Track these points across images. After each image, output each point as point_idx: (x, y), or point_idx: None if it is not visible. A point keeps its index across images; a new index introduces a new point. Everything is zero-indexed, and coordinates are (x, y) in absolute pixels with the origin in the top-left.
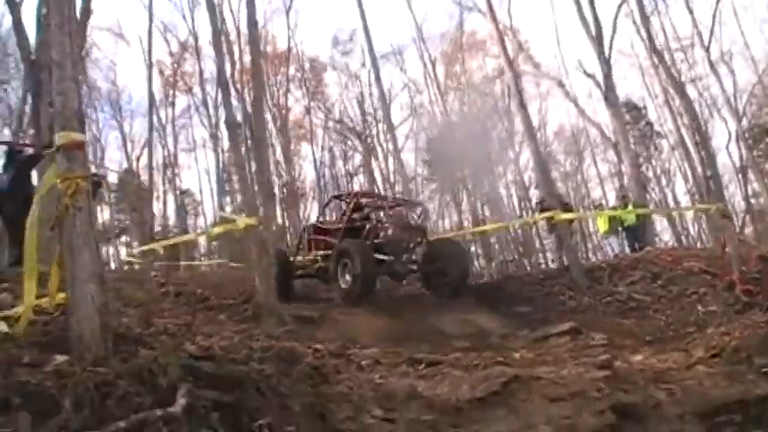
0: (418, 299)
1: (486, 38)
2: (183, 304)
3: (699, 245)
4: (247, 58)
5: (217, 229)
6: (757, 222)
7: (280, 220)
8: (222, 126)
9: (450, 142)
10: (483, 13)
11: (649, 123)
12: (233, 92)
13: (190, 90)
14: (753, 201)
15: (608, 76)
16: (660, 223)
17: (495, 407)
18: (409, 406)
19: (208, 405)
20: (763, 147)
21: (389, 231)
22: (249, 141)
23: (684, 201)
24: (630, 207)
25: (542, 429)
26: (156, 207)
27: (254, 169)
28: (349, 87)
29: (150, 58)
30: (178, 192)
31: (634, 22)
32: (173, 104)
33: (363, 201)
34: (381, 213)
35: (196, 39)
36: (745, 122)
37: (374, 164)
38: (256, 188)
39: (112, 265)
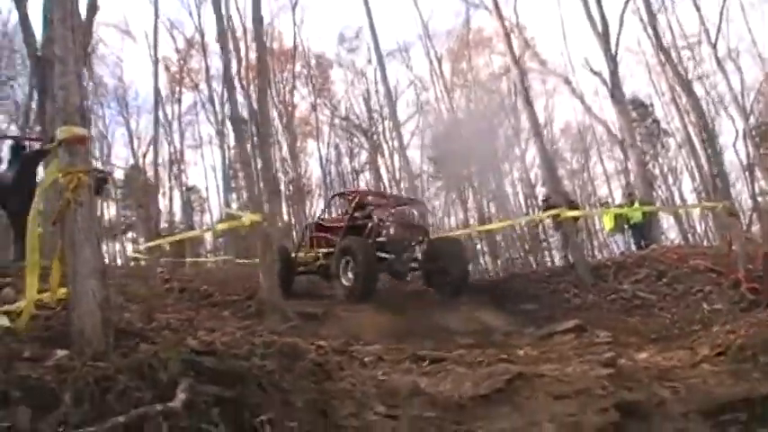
0: (423, 296)
1: (493, 35)
2: (186, 300)
3: (706, 243)
4: (254, 55)
5: (222, 226)
6: (764, 220)
7: (286, 217)
8: (228, 123)
9: (455, 139)
10: (489, 11)
11: (656, 121)
12: (239, 88)
13: (196, 87)
14: (760, 199)
15: (614, 73)
16: (667, 221)
17: (499, 404)
18: (412, 403)
19: (209, 400)
20: None
21: (391, 230)
22: (255, 138)
23: (691, 199)
24: (636, 205)
25: (546, 427)
26: (163, 204)
27: (259, 166)
28: (355, 84)
29: (156, 55)
30: (184, 188)
31: (641, 20)
32: (179, 101)
33: (366, 199)
34: (383, 212)
35: (202, 35)
36: (752, 120)
37: (380, 161)
38: (261, 185)
39: (119, 262)
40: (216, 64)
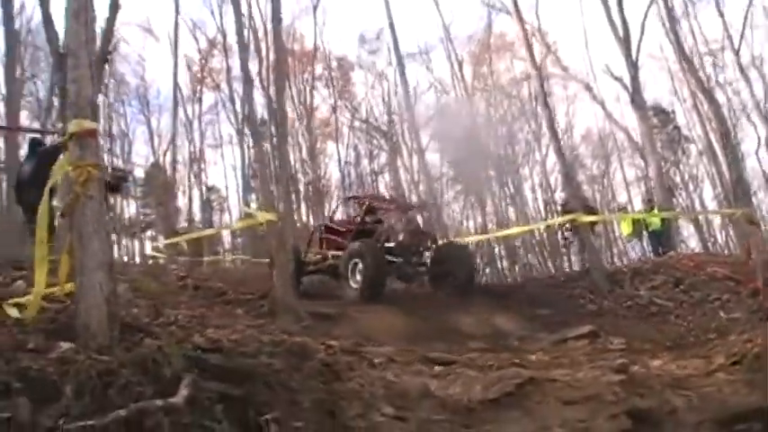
0: (437, 299)
1: (515, 39)
2: (200, 298)
3: (726, 252)
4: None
5: (238, 224)
6: None
7: (304, 218)
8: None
9: (472, 141)
10: (511, 14)
11: (677, 127)
12: (260, 89)
13: (217, 87)
14: None
15: (635, 78)
16: (687, 229)
17: (509, 408)
18: (421, 405)
19: (213, 397)
20: None
21: (400, 236)
22: (275, 138)
23: (712, 207)
24: (655, 211)
25: None
26: (182, 202)
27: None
28: (375, 86)
29: (176, 54)
30: (204, 187)
31: (663, 25)
32: (200, 100)
33: (376, 204)
34: (393, 217)
35: (224, 36)
36: None
37: (399, 163)
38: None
39: (137, 260)
40: (237, 64)
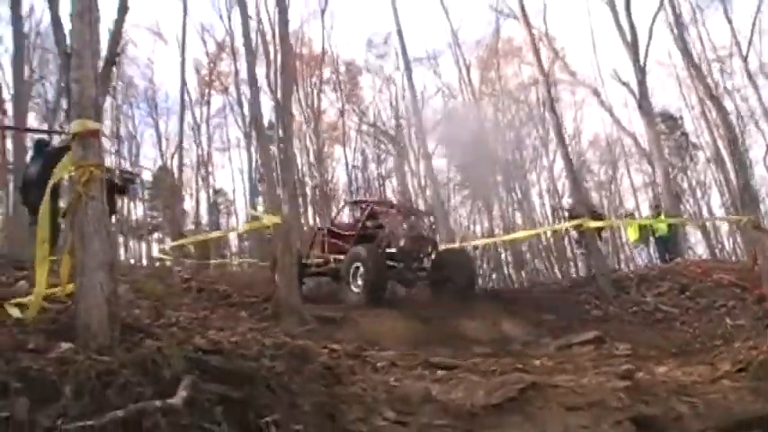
0: (443, 303)
1: (523, 44)
2: (205, 300)
3: (734, 259)
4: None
5: (243, 227)
6: None
7: (311, 222)
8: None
9: (479, 144)
10: (518, 19)
11: (685, 134)
12: (268, 92)
13: (226, 90)
14: None
15: (642, 83)
16: (694, 236)
17: (511, 413)
18: (423, 409)
19: (212, 399)
20: None
21: (401, 242)
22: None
23: (720, 214)
24: (662, 217)
25: None
26: (189, 205)
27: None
28: (383, 90)
29: (183, 57)
30: (211, 190)
31: (672, 32)
32: (208, 103)
33: (378, 209)
34: (395, 223)
35: (233, 39)
36: None
37: (406, 167)
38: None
39: (144, 262)
40: (245, 67)
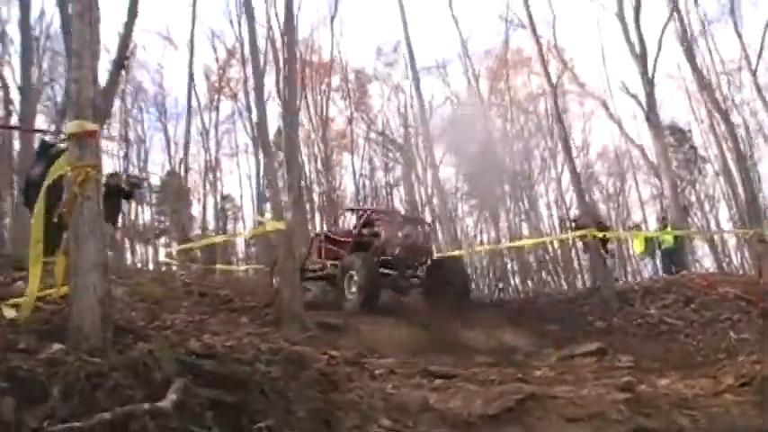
0: (446, 312)
1: (532, 55)
2: (205, 304)
3: (740, 273)
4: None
5: (249, 233)
6: None
7: (318, 228)
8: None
9: (488, 155)
10: (526, 28)
11: (693, 147)
12: (276, 99)
13: (235, 96)
14: None
15: (650, 95)
16: (702, 249)
17: (509, 423)
18: (420, 418)
19: (204, 403)
20: None
21: (397, 251)
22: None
23: (728, 227)
24: (668, 229)
25: None
26: (197, 210)
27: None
28: (391, 98)
29: (191, 62)
30: (219, 196)
31: (681, 44)
32: (217, 109)
33: (374, 217)
34: (391, 231)
35: (242, 45)
36: None
37: (413, 176)
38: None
39: (150, 266)
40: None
